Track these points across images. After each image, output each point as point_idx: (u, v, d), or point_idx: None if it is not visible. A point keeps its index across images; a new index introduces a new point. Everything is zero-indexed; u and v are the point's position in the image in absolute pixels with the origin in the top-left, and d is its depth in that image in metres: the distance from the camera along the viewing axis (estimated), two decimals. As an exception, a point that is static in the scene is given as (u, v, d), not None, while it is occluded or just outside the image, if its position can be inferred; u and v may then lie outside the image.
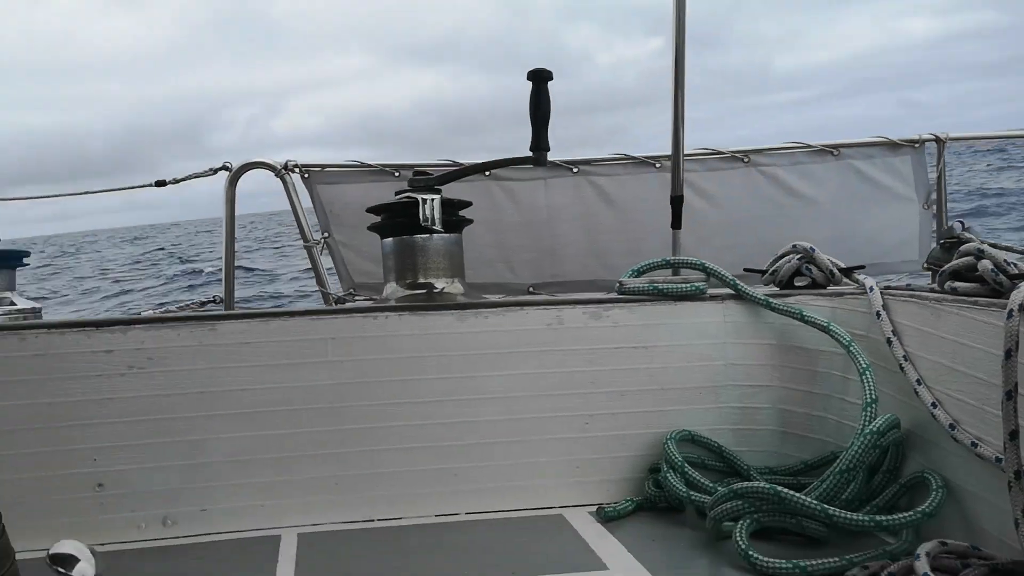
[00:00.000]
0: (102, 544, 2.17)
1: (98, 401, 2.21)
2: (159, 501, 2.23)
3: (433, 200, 2.46)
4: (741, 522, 1.95)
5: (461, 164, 3.00)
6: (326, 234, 3.30)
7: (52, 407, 2.19)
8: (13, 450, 2.16)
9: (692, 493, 2.17)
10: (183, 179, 3.24)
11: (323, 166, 3.26)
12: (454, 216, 2.57)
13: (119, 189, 3.44)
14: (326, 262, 3.35)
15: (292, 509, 2.27)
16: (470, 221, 2.63)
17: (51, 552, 0.86)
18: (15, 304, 2.50)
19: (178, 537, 2.23)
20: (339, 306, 3.15)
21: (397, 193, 2.59)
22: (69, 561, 0.85)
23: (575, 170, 3.32)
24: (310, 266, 3.34)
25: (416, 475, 2.33)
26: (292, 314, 2.34)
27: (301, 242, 3.30)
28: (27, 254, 2.55)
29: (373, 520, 2.29)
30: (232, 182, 3.20)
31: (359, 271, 3.30)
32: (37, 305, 2.54)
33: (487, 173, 3.26)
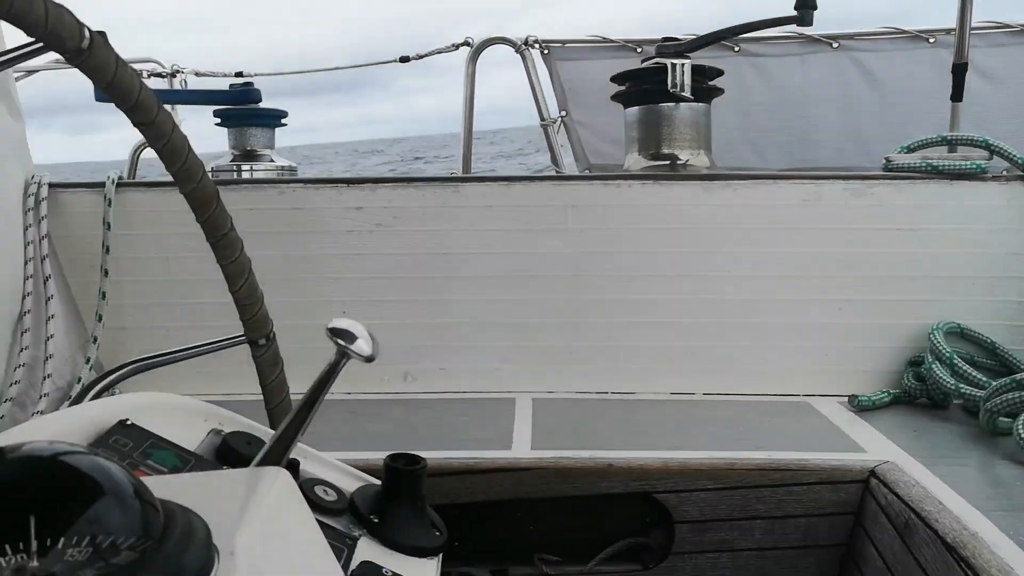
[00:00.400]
0: (347, 393, 2.28)
1: (348, 256, 2.27)
2: (401, 357, 2.30)
3: (683, 65, 2.32)
4: (1022, 416, 1.74)
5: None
6: (563, 112, 3.23)
7: (306, 259, 2.28)
8: (268, 298, 2.27)
9: (962, 386, 1.96)
10: (426, 55, 3.26)
11: (564, 41, 3.17)
12: (704, 84, 2.41)
13: (364, 65, 3.52)
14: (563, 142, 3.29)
15: (527, 375, 2.27)
16: (721, 91, 2.47)
17: (330, 326, 0.84)
18: (274, 161, 2.62)
19: (417, 393, 2.29)
20: (581, 173, 3.10)
21: (643, 61, 2.47)
22: (348, 336, 0.84)
23: (835, 45, 3.04)
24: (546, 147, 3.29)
25: (652, 350, 2.26)
26: (534, 179, 2.30)
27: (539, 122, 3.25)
28: (285, 114, 2.66)
29: (607, 393, 2.25)
30: (473, 58, 3.18)
31: (595, 151, 3.21)
32: (294, 164, 2.64)
33: (736, 48, 3.06)
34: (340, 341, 0.84)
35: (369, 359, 0.85)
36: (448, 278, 2.28)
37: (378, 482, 1.12)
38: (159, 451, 0.93)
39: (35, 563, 0.50)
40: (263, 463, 0.85)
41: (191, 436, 1.02)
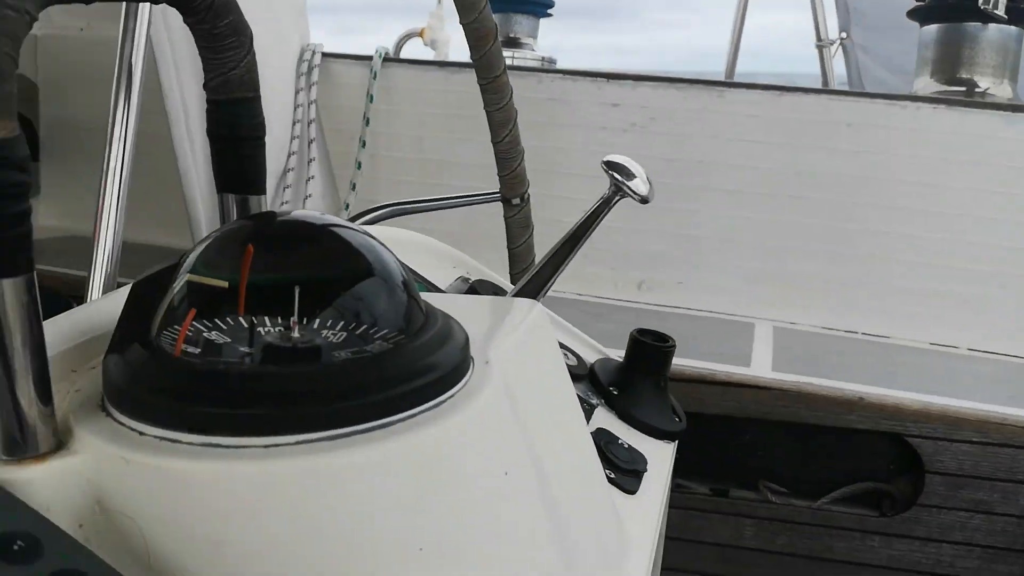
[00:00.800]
0: (578, 293, 2.23)
1: (597, 153, 2.19)
2: (638, 264, 2.22)
3: (1002, -21, 2.04)
4: None
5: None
6: (844, 35, 2.97)
7: (555, 152, 2.23)
8: None
9: None
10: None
11: (856, -45, 2.91)
12: (1021, 5, 2.12)
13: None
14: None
15: (771, 301, 2.13)
16: (1040, 14, 2.16)
17: (606, 159, 0.78)
18: (534, 51, 2.59)
19: (650, 304, 2.21)
20: (862, 90, 2.85)
21: (952, -26, 2.19)
22: (624, 171, 0.77)
23: None
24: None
25: (915, 292, 2.05)
26: (808, 91, 2.11)
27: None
28: (551, 3, 2.60)
29: (857, 332, 2.07)
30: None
31: (874, 80, 2.95)
32: (554, 57, 2.60)
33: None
34: (616, 175, 0.78)
35: (644, 200, 0.78)
36: (699, 188, 2.16)
37: (617, 359, 1.06)
38: None
39: (296, 334, 0.47)
40: (519, 296, 0.80)
41: (439, 277, 1.00)
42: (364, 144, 2.30)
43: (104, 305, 0.59)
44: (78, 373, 0.51)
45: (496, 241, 1.36)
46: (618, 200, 0.80)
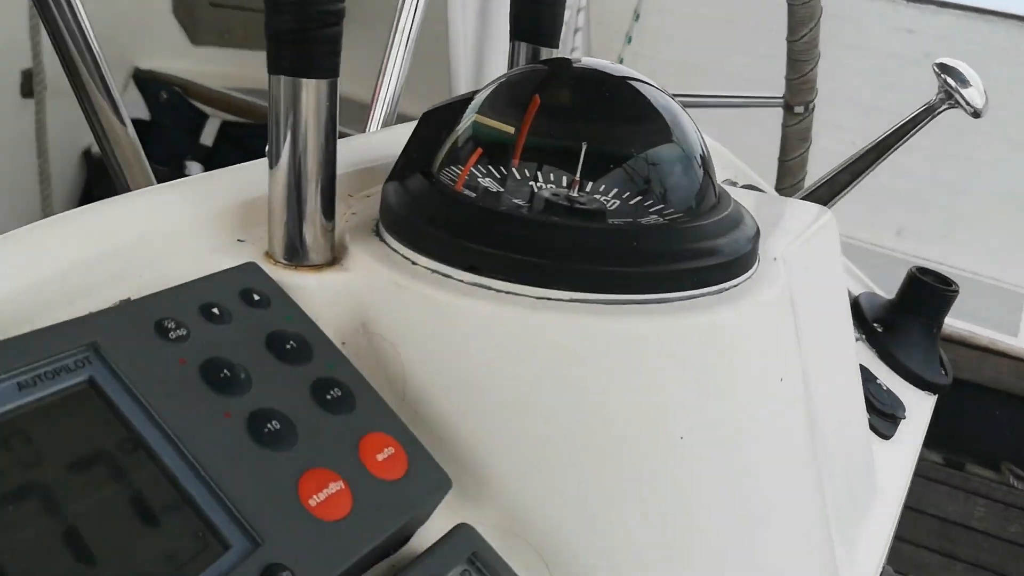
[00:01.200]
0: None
1: (882, 84, 2.03)
2: (901, 208, 2.05)
3: None
4: None
5: None
6: None
7: (833, 75, 2.06)
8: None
9: None
10: None
11: None
12: None
13: None
14: None
15: None
16: None
17: (939, 61, 0.69)
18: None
19: (907, 254, 2.04)
20: None
21: None
22: (958, 76, 0.68)
23: None
24: None
25: None
26: None
27: None
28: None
29: None
30: None
31: None
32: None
33: None
34: (949, 80, 0.68)
35: (976, 114, 0.69)
36: (985, 134, 1.95)
37: (885, 296, 0.97)
38: None
39: (585, 191, 0.44)
40: (807, 200, 0.74)
41: None
42: (629, 40, 2.23)
43: (382, 138, 0.58)
44: (354, 198, 0.51)
45: (758, 155, 1.27)
46: (945, 109, 0.71)
